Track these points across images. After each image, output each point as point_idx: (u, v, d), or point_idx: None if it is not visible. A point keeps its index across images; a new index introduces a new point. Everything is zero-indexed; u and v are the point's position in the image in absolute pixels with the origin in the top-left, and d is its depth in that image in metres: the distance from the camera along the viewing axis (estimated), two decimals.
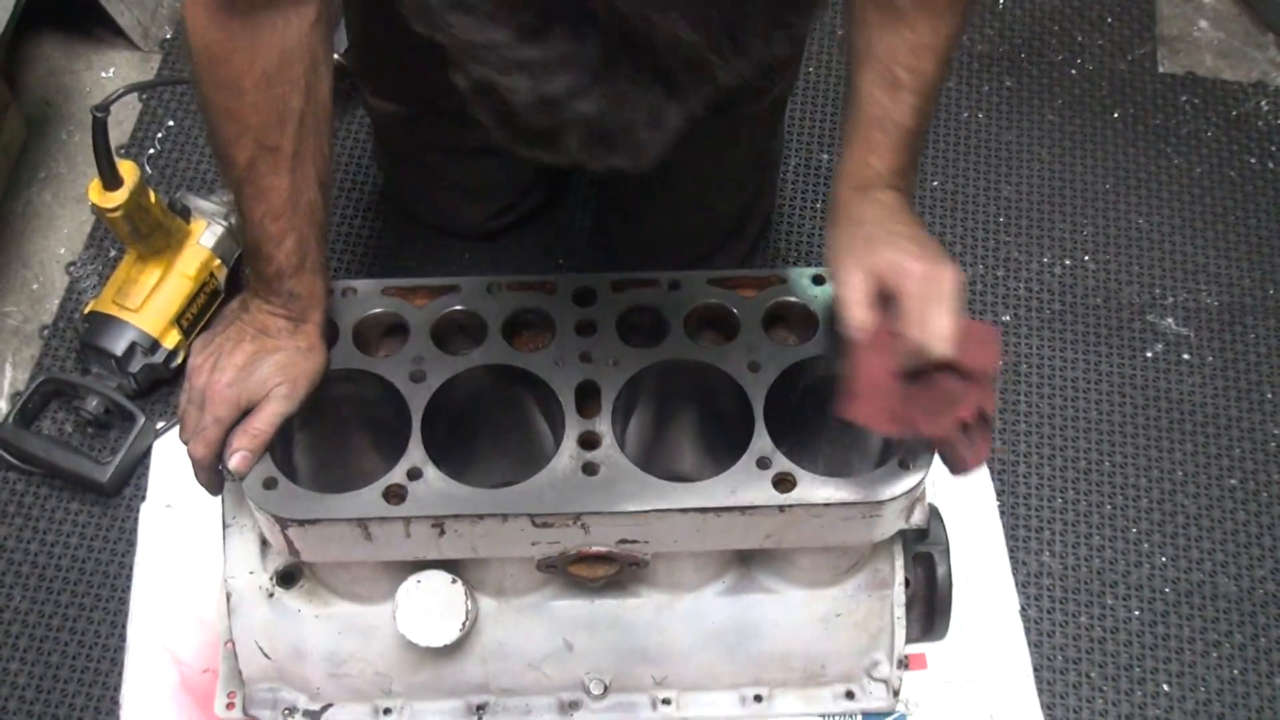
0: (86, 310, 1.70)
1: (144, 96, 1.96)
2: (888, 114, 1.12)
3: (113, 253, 1.83)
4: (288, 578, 1.35)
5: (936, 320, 1.03)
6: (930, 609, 1.40)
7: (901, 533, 1.31)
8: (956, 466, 1.13)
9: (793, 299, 1.27)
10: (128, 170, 1.58)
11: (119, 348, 1.66)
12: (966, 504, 1.59)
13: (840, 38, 2.04)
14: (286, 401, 1.17)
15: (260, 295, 1.19)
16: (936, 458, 1.16)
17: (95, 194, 1.58)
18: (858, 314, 1.07)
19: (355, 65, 1.66)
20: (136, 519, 1.60)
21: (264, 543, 1.34)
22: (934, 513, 1.41)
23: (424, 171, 1.63)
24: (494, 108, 0.80)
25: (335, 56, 1.86)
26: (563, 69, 0.75)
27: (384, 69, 1.53)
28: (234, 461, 1.16)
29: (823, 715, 1.45)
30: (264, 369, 1.17)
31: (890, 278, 1.06)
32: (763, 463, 1.18)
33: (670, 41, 0.73)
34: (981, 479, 1.64)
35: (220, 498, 1.34)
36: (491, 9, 0.74)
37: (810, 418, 1.31)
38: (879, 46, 1.11)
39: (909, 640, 1.41)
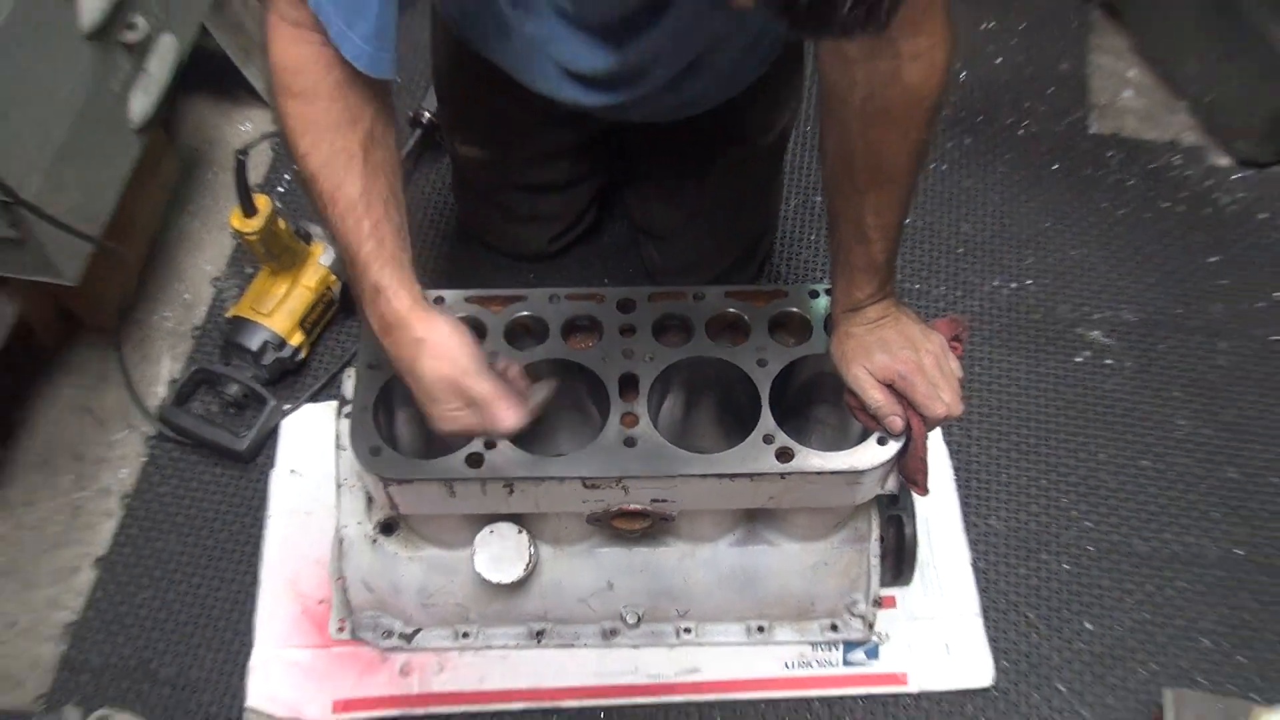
0: (229, 315, 1.73)
1: (275, 145, 1.99)
2: (862, 259, 1.15)
3: (249, 270, 1.85)
4: (388, 527, 1.38)
5: (941, 399, 1.14)
6: (899, 560, 1.42)
7: (876, 498, 1.33)
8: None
9: (793, 309, 1.29)
10: (262, 202, 1.60)
11: (254, 345, 1.68)
12: (930, 477, 1.59)
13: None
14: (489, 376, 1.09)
15: (369, 307, 1.08)
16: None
17: (237, 221, 1.60)
18: (876, 397, 1.16)
19: (446, 120, 1.66)
20: (267, 481, 1.63)
21: (369, 499, 1.37)
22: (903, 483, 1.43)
23: (500, 207, 1.64)
24: None
25: (427, 115, 1.92)
26: None
27: (471, 122, 1.53)
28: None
29: (812, 644, 1.47)
30: (428, 361, 1.07)
31: (885, 376, 1.16)
32: (767, 439, 1.19)
33: None
34: (941, 458, 1.65)
35: (334, 462, 1.36)
36: None
37: (807, 404, 1.33)
38: (849, 206, 1.13)
39: (882, 584, 1.43)
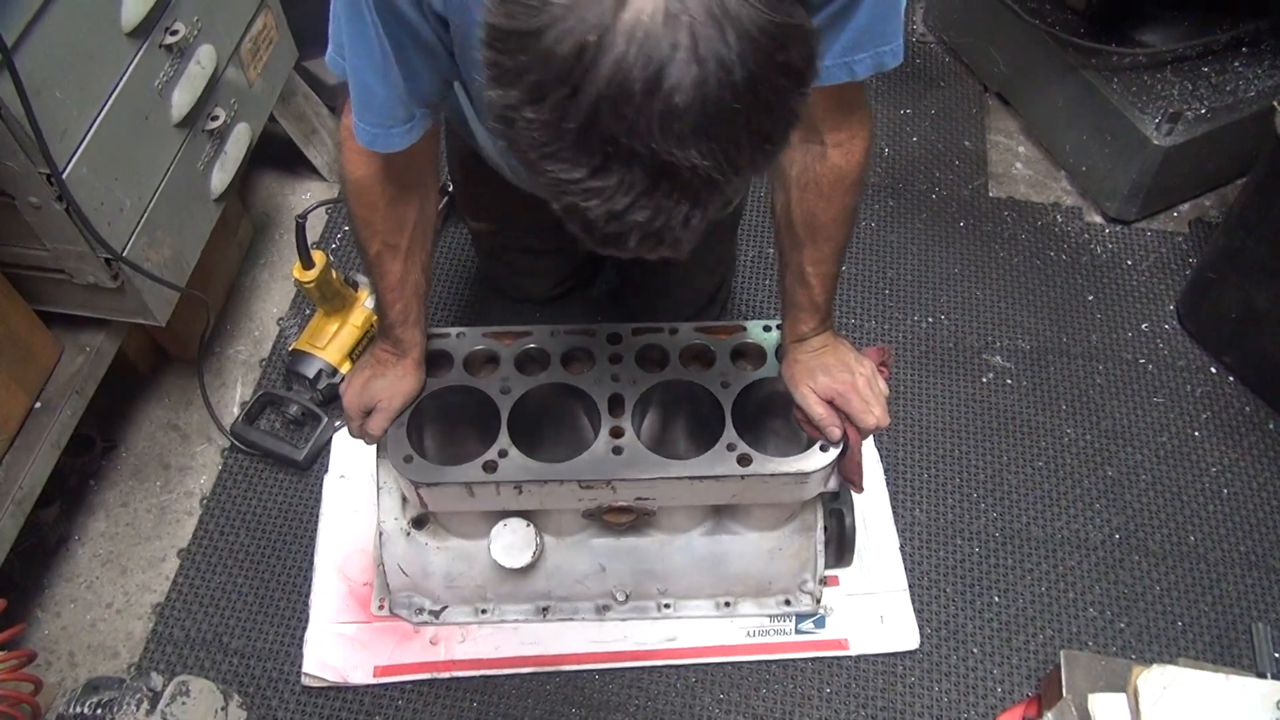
0: (290, 348, 1.71)
1: (329, 210, 1.97)
2: (804, 300, 1.16)
3: (307, 311, 1.83)
4: (419, 522, 1.35)
5: (872, 413, 1.15)
6: (840, 546, 1.40)
7: (821, 494, 1.31)
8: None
9: (750, 340, 1.27)
10: (318, 257, 1.59)
11: (311, 372, 1.67)
12: (864, 477, 1.57)
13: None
14: (385, 413, 1.20)
15: (380, 340, 1.22)
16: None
17: (297, 272, 1.59)
18: (819, 411, 1.16)
19: (459, 200, 1.67)
20: (321, 484, 1.60)
21: (404, 499, 1.34)
22: (842, 483, 1.40)
23: (507, 263, 1.64)
24: (578, 222, 0.74)
25: (450, 187, 1.90)
26: (620, 192, 0.70)
27: (478, 203, 1.54)
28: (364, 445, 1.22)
29: (769, 616, 1.44)
30: (375, 387, 1.20)
31: (827, 394, 1.16)
32: (730, 447, 1.17)
33: (689, 168, 0.69)
34: (873, 461, 1.63)
35: (375, 468, 1.34)
36: (572, 156, 0.69)
37: (762, 418, 1.30)
38: (793, 258, 1.14)
39: (826, 566, 1.40)
